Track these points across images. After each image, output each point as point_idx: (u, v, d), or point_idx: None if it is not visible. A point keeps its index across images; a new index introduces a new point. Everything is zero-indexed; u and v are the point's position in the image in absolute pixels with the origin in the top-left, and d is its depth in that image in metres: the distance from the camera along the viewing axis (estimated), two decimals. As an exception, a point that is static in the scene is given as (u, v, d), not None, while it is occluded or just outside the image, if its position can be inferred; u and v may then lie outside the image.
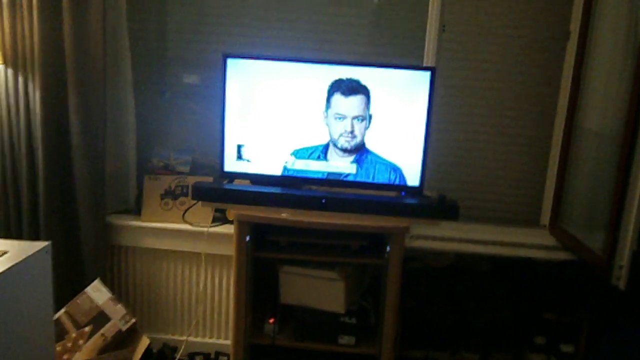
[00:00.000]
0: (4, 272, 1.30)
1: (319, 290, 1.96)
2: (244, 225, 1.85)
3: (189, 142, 2.52)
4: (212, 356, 2.43)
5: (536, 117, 2.39)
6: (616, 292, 1.71)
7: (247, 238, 1.79)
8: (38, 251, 1.42)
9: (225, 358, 2.40)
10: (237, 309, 1.92)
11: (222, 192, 1.88)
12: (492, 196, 2.47)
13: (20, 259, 1.36)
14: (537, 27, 2.32)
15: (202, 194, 1.88)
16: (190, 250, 2.35)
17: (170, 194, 2.38)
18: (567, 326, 2.12)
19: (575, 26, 2.24)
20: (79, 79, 2.13)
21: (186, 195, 2.36)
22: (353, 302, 2.03)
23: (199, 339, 2.46)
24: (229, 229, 2.26)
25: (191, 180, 2.38)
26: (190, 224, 2.25)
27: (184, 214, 2.15)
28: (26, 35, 2.09)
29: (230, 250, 2.26)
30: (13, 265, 1.33)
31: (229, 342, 2.40)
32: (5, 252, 1.38)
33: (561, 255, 2.27)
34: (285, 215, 1.85)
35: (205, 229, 2.26)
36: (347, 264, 1.96)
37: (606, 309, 2.04)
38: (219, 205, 1.91)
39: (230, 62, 1.93)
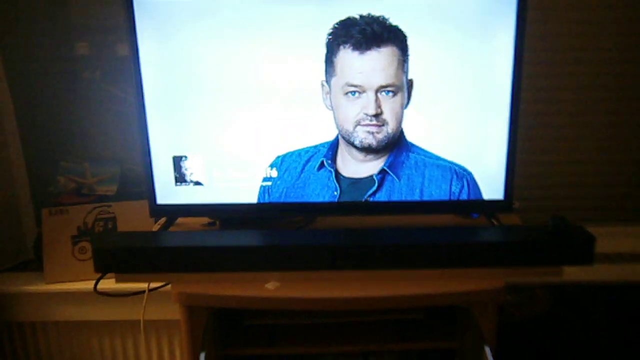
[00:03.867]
0: None
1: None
2: (197, 315, 0.98)
3: (113, 147, 1.63)
4: None
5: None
6: None
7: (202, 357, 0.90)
8: None
9: None
10: None
11: (150, 254, 0.99)
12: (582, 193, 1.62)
13: None
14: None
15: (105, 262, 0.99)
16: (125, 319, 1.49)
17: (87, 234, 1.50)
18: None
19: None
20: None
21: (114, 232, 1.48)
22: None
23: None
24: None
25: (119, 208, 1.51)
26: (103, 294, 1.35)
27: (95, 285, 1.26)
28: None
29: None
30: None
31: None
32: None
33: None
34: (271, 286, 0.98)
35: (144, 288, 1.38)
36: (389, 353, 1.11)
37: None
38: (148, 279, 1.04)
39: (138, 5, 1.02)
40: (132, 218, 1.49)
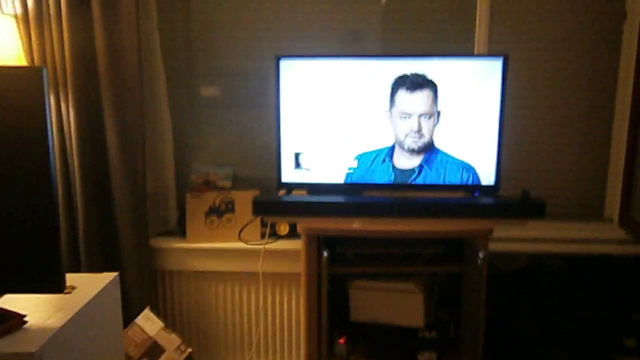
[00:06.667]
0: (81, 309, 1.14)
1: (394, 304, 1.81)
2: (312, 239, 1.70)
3: (227, 155, 2.37)
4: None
5: (594, 103, 2.25)
6: None
7: (325, 253, 1.63)
8: (108, 283, 1.27)
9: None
10: (307, 332, 1.76)
11: (286, 205, 1.72)
12: (550, 191, 2.31)
13: (93, 294, 1.20)
14: (591, 8, 2.19)
15: (263, 208, 1.73)
16: (242, 271, 2.19)
17: (215, 212, 2.22)
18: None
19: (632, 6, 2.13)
20: (114, 95, 1.97)
21: (232, 211, 2.21)
22: (430, 315, 1.87)
23: (258, 364, 2.30)
24: (283, 245, 2.13)
25: (236, 195, 2.23)
26: (246, 242, 2.10)
27: (240, 233, 2.00)
28: (55, 50, 1.94)
29: (286, 267, 2.14)
30: (89, 301, 1.17)
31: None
32: (73, 288, 1.22)
33: (637, 249, 2.15)
34: (357, 225, 1.69)
35: (261, 247, 2.11)
36: (422, 274, 1.81)
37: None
38: (282, 219, 1.76)
39: (283, 63, 1.79)
40: (244, 201, 2.21)
